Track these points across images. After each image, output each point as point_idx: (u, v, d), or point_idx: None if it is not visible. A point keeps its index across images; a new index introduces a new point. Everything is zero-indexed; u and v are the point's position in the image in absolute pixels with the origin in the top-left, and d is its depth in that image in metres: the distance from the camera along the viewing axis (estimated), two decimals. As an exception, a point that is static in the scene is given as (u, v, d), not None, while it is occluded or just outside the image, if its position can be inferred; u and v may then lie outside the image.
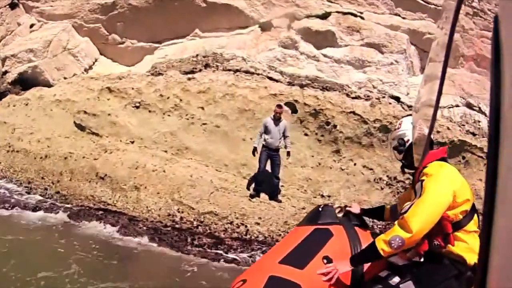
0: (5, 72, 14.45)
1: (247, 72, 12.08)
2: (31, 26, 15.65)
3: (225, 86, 11.78)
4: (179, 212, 9.71)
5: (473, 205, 2.81)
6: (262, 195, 10.23)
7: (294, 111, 11.46)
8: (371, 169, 10.95)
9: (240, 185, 10.42)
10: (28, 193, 10.88)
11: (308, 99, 11.45)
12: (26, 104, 13.35)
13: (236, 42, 13.02)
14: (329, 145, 11.31)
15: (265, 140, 9.97)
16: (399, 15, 13.40)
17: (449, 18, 1.19)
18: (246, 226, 9.40)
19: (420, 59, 12.86)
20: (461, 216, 2.74)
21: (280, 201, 10.10)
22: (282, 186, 10.46)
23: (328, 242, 2.90)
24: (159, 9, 13.82)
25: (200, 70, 12.32)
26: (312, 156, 11.18)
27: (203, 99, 11.69)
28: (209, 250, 8.74)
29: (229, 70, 12.14)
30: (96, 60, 15.27)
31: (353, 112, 11.41)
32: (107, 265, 7.79)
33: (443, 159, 2.95)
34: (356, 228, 3.12)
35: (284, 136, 10.04)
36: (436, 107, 1.36)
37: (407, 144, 3.05)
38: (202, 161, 10.95)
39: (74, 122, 12.29)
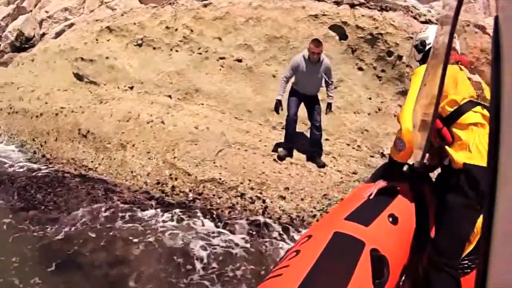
0: (43, 34, 12.06)
1: (279, -9, 8.11)
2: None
3: (249, 8, 7.95)
4: (171, 179, 6.23)
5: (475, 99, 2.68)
6: (297, 154, 6.36)
7: (343, 37, 7.41)
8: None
9: (267, 138, 6.68)
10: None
11: (361, 20, 7.41)
12: (32, 60, 10.42)
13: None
14: (392, 83, 7.27)
15: (296, 84, 6.19)
16: None
17: None
18: (264, 201, 5.78)
19: None
20: (449, 109, 2.65)
21: (324, 164, 6.24)
22: (326, 139, 6.55)
23: (394, 200, 2.73)
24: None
25: (221, -6, 8.49)
26: (369, 99, 7.20)
27: (220, 27, 7.95)
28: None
29: (256, -10, 8.22)
30: (135, 12, 12.25)
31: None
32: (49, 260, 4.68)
33: None
34: (422, 184, 3.02)
35: (327, 83, 6.19)
36: (436, 109, 1.39)
37: (427, 47, 2.98)
38: (217, 106, 7.27)
39: (73, 72, 8.93)
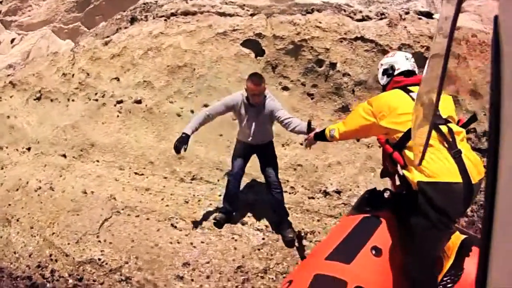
0: (-15, 92, 10.79)
1: (186, 13, 6.45)
2: (12, 41, 11.87)
3: (148, 39, 6.31)
4: (51, 260, 4.51)
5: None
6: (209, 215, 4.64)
7: (260, 52, 5.75)
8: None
9: (171, 196, 4.94)
10: None
11: (279, 28, 5.76)
12: None
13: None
14: (328, 99, 5.61)
15: (238, 134, 4.43)
16: None
17: None
18: (156, 286, 3.94)
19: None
20: (398, 135, 2.46)
21: (293, 240, 4.26)
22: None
23: (377, 231, 2.48)
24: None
25: (126, 28, 6.81)
26: (301, 123, 5.40)
27: (118, 66, 6.31)
28: None
29: (161, 16, 6.53)
30: (81, 61, 10.97)
31: (362, 38, 5.54)
32: None
33: (395, 88, 2.71)
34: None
35: (283, 122, 4.02)
36: (435, 110, 1.21)
37: (395, 73, 2.80)
38: (115, 162, 5.51)
39: (-22, 135, 7.36)
